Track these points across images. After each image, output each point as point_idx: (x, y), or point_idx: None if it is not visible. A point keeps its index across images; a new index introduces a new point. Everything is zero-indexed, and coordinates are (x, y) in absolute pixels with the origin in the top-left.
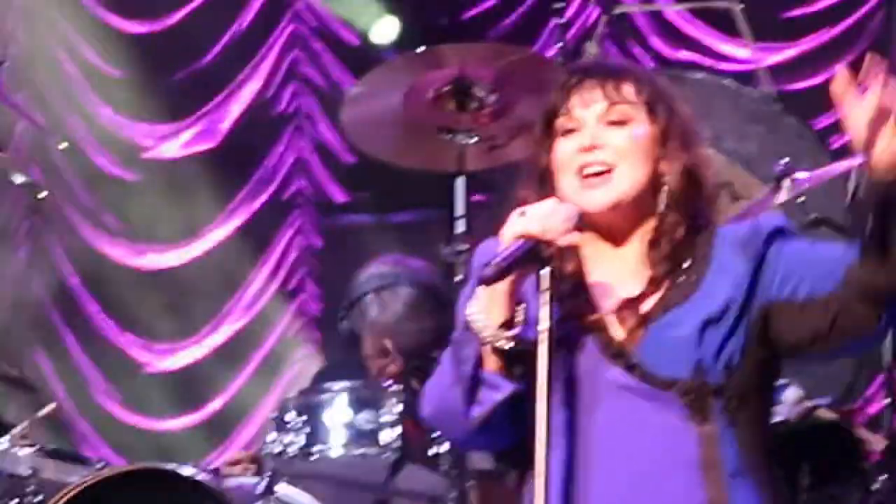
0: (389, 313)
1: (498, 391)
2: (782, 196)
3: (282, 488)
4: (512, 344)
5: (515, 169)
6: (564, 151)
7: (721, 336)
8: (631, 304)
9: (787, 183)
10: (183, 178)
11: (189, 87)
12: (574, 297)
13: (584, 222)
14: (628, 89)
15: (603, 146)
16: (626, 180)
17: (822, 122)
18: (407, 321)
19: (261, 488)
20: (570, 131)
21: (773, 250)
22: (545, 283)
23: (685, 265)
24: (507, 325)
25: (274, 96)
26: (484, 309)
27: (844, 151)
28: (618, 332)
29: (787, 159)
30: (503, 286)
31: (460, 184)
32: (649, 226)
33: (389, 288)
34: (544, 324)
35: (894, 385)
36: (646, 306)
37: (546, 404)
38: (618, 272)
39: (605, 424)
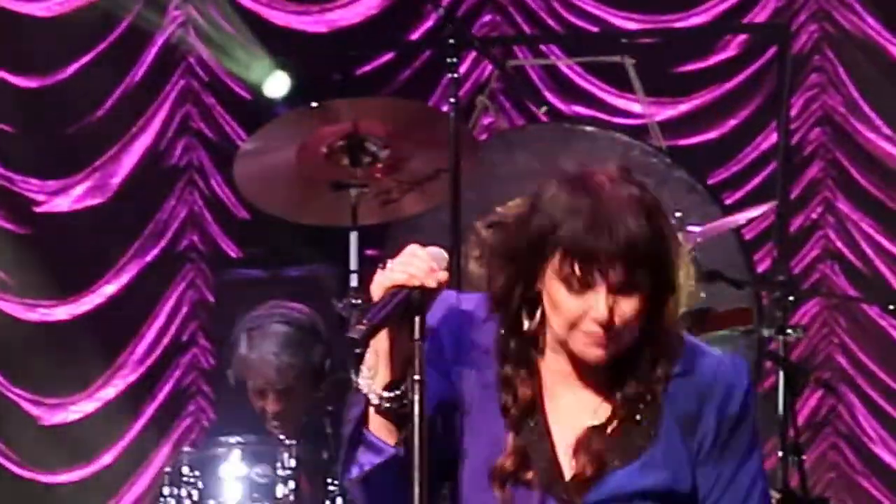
0: (258, 350)
1: (378, 454)
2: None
3: None
4: (394, 405)
5: (408, 222)
6: (572, 310)
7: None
8: (586, 438)
9: (679, 236)
10: (74, 233)
11: (81, 141)
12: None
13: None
14: (646, 259)
15: (617, 321)
16: (626, 344)
17: (716, 176)
18: (275, 357)
19: None
20: (578, 291)
21: (709, 471)
22: (418, 331)
23: (646, 401)
24: (392, 385)
25: (166, 150)
26: (370, 371)
27: (737, 206)
28: (569, 464)
29: (678, 213)
30: (384, 345)
31: (353, 238)
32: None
33: (260, 327)
34: (417, 374)
35: (785, 440)
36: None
37: (420, 457)
38: (570, 399)
39: None
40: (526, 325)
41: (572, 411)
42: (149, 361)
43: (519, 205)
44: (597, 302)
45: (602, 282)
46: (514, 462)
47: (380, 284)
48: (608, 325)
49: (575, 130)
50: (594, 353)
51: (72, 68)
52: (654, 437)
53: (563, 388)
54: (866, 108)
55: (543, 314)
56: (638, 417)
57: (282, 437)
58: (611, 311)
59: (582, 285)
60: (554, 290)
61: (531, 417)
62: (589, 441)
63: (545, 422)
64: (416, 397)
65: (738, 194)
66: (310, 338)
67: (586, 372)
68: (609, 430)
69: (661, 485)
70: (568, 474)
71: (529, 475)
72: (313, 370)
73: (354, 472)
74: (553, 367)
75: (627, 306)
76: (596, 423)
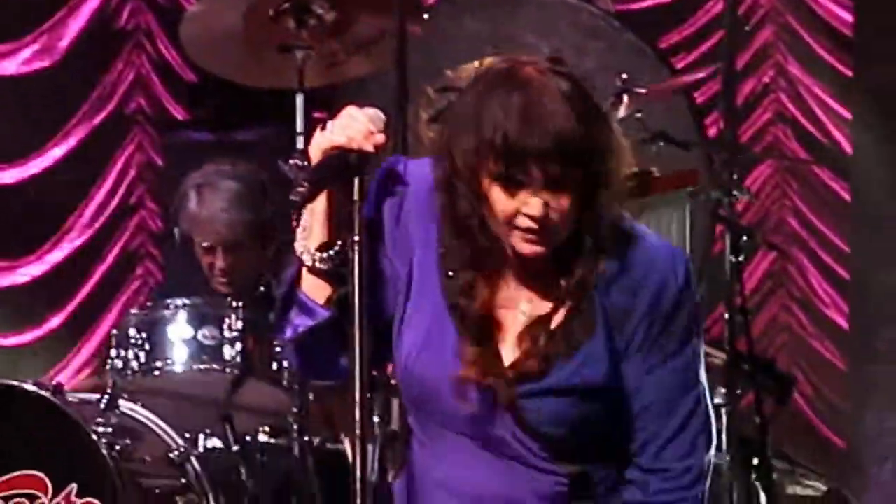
0: (208, 205)
1: (311, 316)
2: (622, 111)
3: (124, 404)
4: (327, 266)
5: (354, 85)
6: (506, 209)
7: (603, 402)
8: (528, 330)
9: (625, 98)
10: (21, 96)
11: (28, 4)
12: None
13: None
14: (577, 154)
15: (551, 215)
16: (562, 237)
17: (668, 40)
18: (225, 212)
19: (103, 404)
20: (512, 188)
21: (639, 361)
22: (357, 193)
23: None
24: (326, 246)
25: (113, 13)
26: (304, 230)
27: (688, 69)
28: (509, 352)
29: (625, 75)
30: (321, 206)
31: (300, 101)
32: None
33: (210, 184)
34: (358, 237)
35: (732, 302)
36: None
37: (360, 317)
38: (508, 292)
39: (467, 456)
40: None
41: (517, 301)
42: (97, 224)
43: (467, 74)
44: (530, 199)
45: (534, 179)
46: (466, 320)
47: (318, 146)
48: (542, 221)
49: None
50: (531, 248)
51: None
52: (590, 334)
53: (508, 278)
54: None
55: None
56: (580, 307)
57: (228, 295)
58: (545, 206)
59: (515, 183)
60: (488, 187)
61: (479, 299)
62: (533, 333)
63: (494, 303)
64: (356, 257)
65: (691, 58)
66: (259, 195)
67: (530, 262)
68: (553, 322)
69: (598, 380)
70: (509, 359)
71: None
72: (262, 228)
73: (288, 333)
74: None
75: (561, 201)
76: (541, 313)
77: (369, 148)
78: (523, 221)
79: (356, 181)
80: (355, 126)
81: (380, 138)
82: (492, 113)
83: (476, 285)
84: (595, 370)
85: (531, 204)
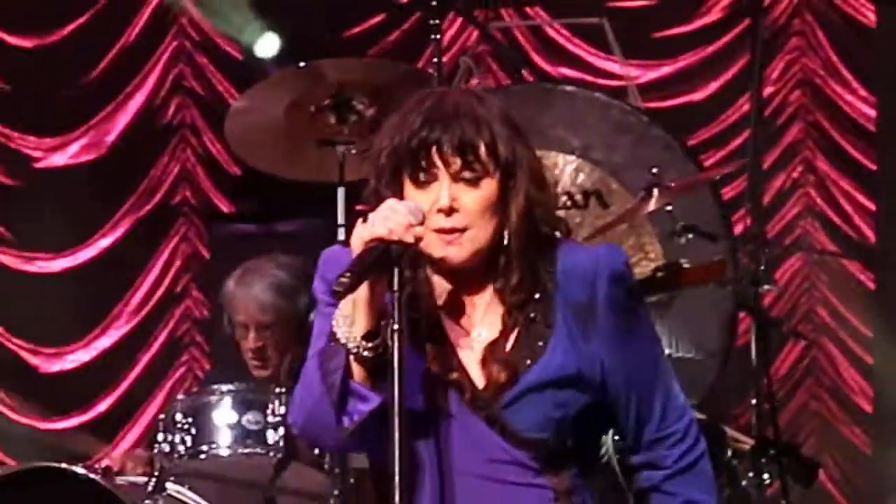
0: (247, 286)
1: (366, 403)
2: (652, 205)
3: (171, 486)
4: (375, 354)
5: None
6: (418, 204)
7: (576, 394)
8: (492, 345)
9: (656, 192)
10: (71, 188)
11: (77, 99)
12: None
13: (437, 267)
14: (482, 146)
15: (459, 209)
16: (479, 238)
17: (698, 137)
18: (262, 294)
19: (151, 486)
20: (423, 183)
21: (614, 354)
22: (396, 283)
23: (535, 300)
24: (371, 335)
25: (159, 108)
26: (346, 320)
27: (717, 165)
28: (479, 375)
29: (655, 169)
30: (363, 295)
31: (341, 193)
32: (497, 274)
33: (255, 269)
34: (398, 326)
35: (760, 390)
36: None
37: (399, 406)
38: (473, 318)
39: (456, 480)
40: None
41: (470, 327)
42: (143, 312)
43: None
44: (439, 191)
45: (443, 174)
46: (436, 365)
47: (360, 237)
48: (450, 212)
49: (556, 90)
50: (449, 251)
51: (67, 29)
52: (551, 329)
53: (456, 307)
54: (844, 72)
55: None
56: (532, 316)
57: (271, 381)
58: (454, 200)
59: (427, 176)
60: (408, 192)
61: (437, 340)
62: (493, 353)
63: (449, 341)
64: (396, 346)
65: (720, 154)
66: (298, 284)
67: (471, 289)
68: (508, 340)
69: (568, 371)
70: (481, 384)
71: (453, 376)
72: (297, 317)
73: (346, 422)
74: (440, 289)
75: (469, 196)
76: (492, 337)
77: (409, 239)
78: (436, 220)
79: (396, 272)
80: (395, 218)
81: (419, 230)
82: (408, 114)
83: (432, 320)
84: (564, 360)
85: (440, 195)
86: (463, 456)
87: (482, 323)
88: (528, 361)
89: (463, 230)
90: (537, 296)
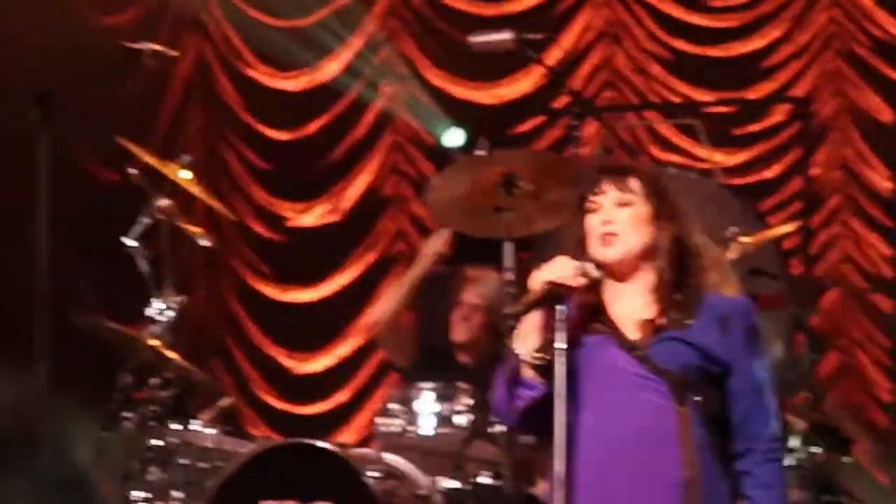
0: (486, 279)
1: (531, 390)
2: (731, 254)
3: (387, 456)
4: (541, 362)
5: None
6: (590, 224)
7: (698, 359)
8: (644, 322)
9: (734, 244)
10: (315, 241)
11: (320, 177)
12: (598, 316)
13: (604, 271)
14: (633, 182)
15: (613, 221)
16: (628, 243)
17: (768, 203)
18: (496, 286)
19: (374, 455)
20: (594, 211)
21: (746, 357)
22: (561, 315)
23: (678, 306)
24: (541, 349)
25: (381, 184)
26: (520, 336)
27: (778, 224)
28: (633, 335)
29: (734, 228)
30: (534, 320)
31: (508, 246)
32: (648, 274)
33: (487, 271)
34: (561, 346)
35: (811, 386)
36: (655, 321)
37: (562, 403)
38: (629, 304)
39: (612, 401)
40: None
41: (629, 312)
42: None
43: None
44: (601, 214)
45: (605, 192)
46: (600, 327)
47: (536, 279)
48: (606, 223)
49: (662, 171)
50: (604, 251)
51: (314, 125)
52: (689, 321)
53: (618, 300)
54: (870, 157)
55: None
56: (682, 310)
57: (466, 373)
58: (607, 217)
59: (595, 207)
60: (586, 222)
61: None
62: (645, 325)
63: (610, 319)
64: (559, 359)
65: (782, 216)
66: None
67: (629, 290)
68: (659, 319)
69: (698, 342)
70: (634, 336)
71: (613, 332)
72: (498, 324)
73: (518, 402)
74: (609, 288)
75: (622, 214)
76: (643, 314)
77: (573, 285)
78: (598, 227)
79: (559, 307)
80: (564, 270)
81: (581, 280)
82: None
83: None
84: (702, 337)
85: (601, 210)
86: (615, 382)
87: (636, 311)
88: (670, 326)
89: (614, 236)
90: (685, 309)
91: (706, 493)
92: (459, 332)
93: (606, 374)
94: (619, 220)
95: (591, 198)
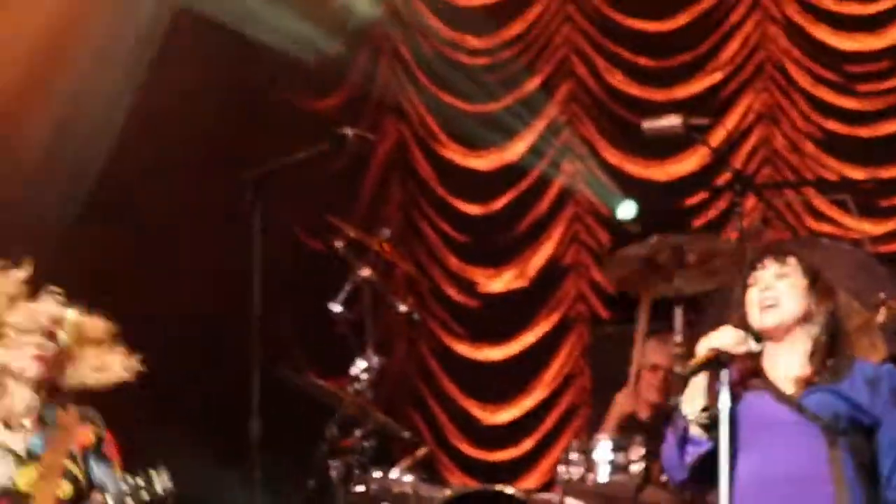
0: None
1: (699, 447)
2: (881, 317)
3: (569, 501)
4: (707, 421)
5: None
6: (751, 296)
7: (849, 409)
8: (798, 378)
9: (882, 309)
10: (506, 305)
11: (509, 246)
12: (757, 374)
13: (763, 336)
14: (790, 259)
15: (773, 290)
16: (786, 311)
17: None
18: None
19: (556, 500)
20: (755, 284)
21: (890, 420)
22: (725, 378)
23: (829, 368)
24: (706, 409)
25: (562, 253)
26: (688, 397)
27: None
28: (788, 390)
29: (883, 294)
30: (701, 383)
31: (679, 310)
32: (803, 339)
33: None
34: (725, 406)
35: None
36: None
37: (727, 453)
38: (785, 364)
39: (769, 447)
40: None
41: (785, 371)
42: (553, 384)
43: None
44: (762, 284)
45: (766, 266)
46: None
47: (705, 345)
48: (768, 292)
49: (817, 241)
50: (763, 317)
51: (502, 200)
52: (839, 380)
53: (775, 360)
54: None
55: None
56: (827, 376)
57: (642, 429)
58: (767, 287)
59: (756, 272)
60: (748, 294)
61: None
62: (799, 381)
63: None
64: (722, 417)
65: None
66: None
67: (785, 351)
68: (811, 378)
69: (850, 396)
70: (789, 391)
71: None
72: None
73: (686, 459)
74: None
75: (780, 285)
76: (798, 371)
77: (738, 352)
78: (758, 296)
79: (724, 371)
80: (729, 338)
81: (744, 349)
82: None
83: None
84: (852, 392)
85: (761, 281)
86: (772, 430)
87: (791, 370)
88: (823, 383)
89: (773, 305)
90: (831, 361)
91: None
92: (654, 392)
93: (764, 424)
94: (778, 289)
95: (753, 273)
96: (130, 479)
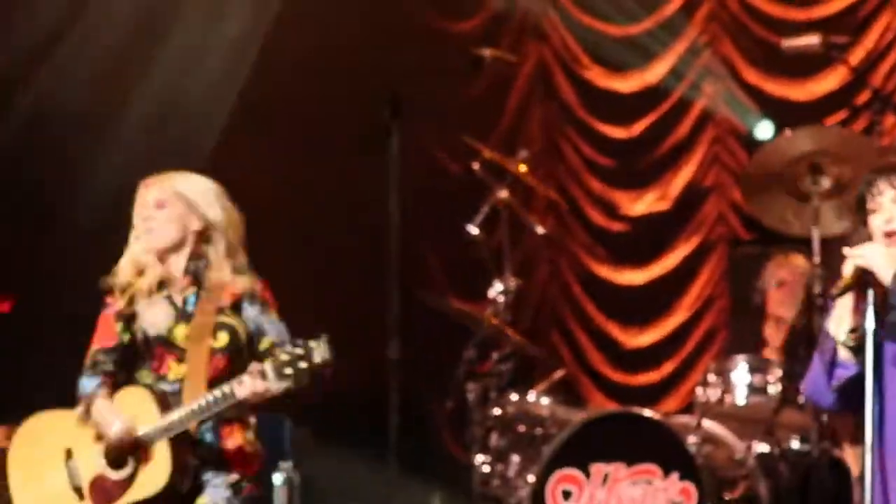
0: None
1: (847, 370)
2: None
3: (706, 423)
4: (854, 343)
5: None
6: (873, 225)
7: None
8: None
9: None
10: (648, 227)
11: (650, 168)
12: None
13: None
14: None
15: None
16: None
17: None
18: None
19: (693, 423)
20: (875, 211)
21: None
22: (870, 299)
23: None
24: (853, 330)
25: (703, 174)
26: (835, 319)
27: None
28: None
29: None
30: (848, 303)
31: (815, 231)
32: None
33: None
34: (870, 325)
35: None
36: None
37: (872, 376)
38: None
39: None
40: None
41: None
42: (694, 307)
43: None
44: (885, 214)
45: (883, 201)
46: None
47: (850, 264)
48: (890, 221)
49: None
50: (892, 248)
51: (643, 122)
52: None
53: None
54: None
55: None
56: None
57: (772, 358)
58: (892, 215)
59: (875, 206)
60: (870, 220)
61: None
62: None
63: None
64: (868, 339)
65: None
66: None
67: None
68: None
69: None
70: None
71: None
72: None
73: (833, 384)
74: None
75: None
76: None
77: (885, 273)
78: (881, 226)
79: (870, 291)
80: (880, 256)
81: (893, 270)
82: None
83: None
84: None
85: (882, 209)
86: None
87: None
88: None
89: None
90: None
91: None
92: (783, 308)
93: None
94: None
95: (869, 200)
96: (290, 348)
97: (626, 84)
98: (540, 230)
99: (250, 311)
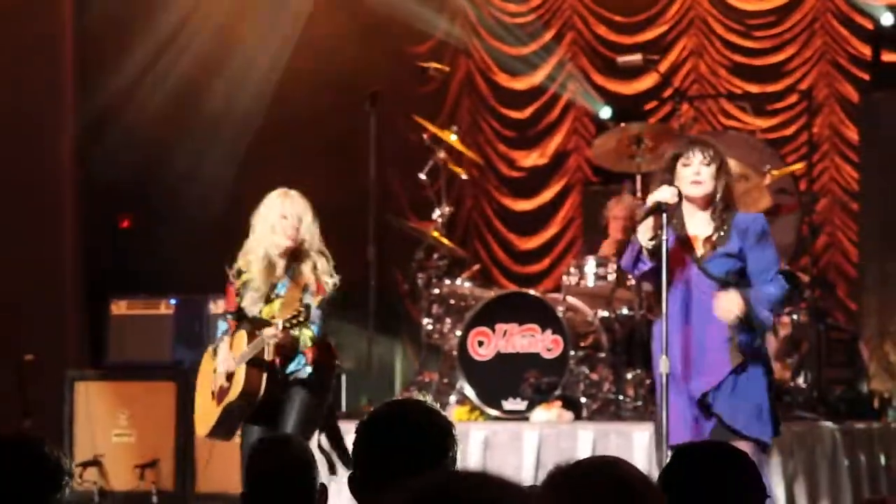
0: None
1: (645, 265)
2: (767, 180)
3: (569, 298)
4: (651, 247)
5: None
6: (683, 173)
7: (733, 264)
8: (706, 239)
9: (768, 175)
10: (532, 175)
11: (535, 139)
12: (680, 235)
13: (687, 201)
14: (710, 150)
15: (700, 174)
16: (708, 187)
17: (785, 150)
18: (631, 211)
19: (561, 298)
20: (686, 165)
21: (756, 249)
22: (662, 219)
23: (722, 226)
24: (652, 239)
25: (568, 141)
26: (641, 231)
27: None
28: (700, 251)
29: (768, 165)
30: (649, 222)
31: (638, 178)
32: (710, 207)
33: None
34: (662, 238)
35: None
36: (712, 239)
37: (665, 273)
38: (698, 224)
39: (691, 294)
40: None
41: (696, 228)
42: (562, 224)
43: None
44: (693, 168)
45: (695, 157)
46: (682, 244)
47: (651, 199)
48: (697, 176)
49: (726, 133)
50: (694, 190)
51: (529, 109)
52: (731, 237)
53: (691, 218)
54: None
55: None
56: (724, 228)
57: (610, 256)
58: (699, 169)
59: (687, 160)
60: (679, 170)
61: (684, 234)
62: (707, 240)
63: (688, 235)
64: (662, 245)
65: (795, 157)
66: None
67: (698, 212)
68: (713, 237)
69: (735, 251)
70: (700, 253)
71: (691, 248)
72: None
73: (637, 271)
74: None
75: (705, 171)
76: (706, 234)
77: (672, 202)
78: (690, 176)
79: (664, 216)
80: (667, 194)
81: (675, 199)
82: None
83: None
84: (734, 248)
85: (692, 165)
86: (691, 283)
87: (700, 228)
88: (720, 244)
89: (700, 182)
90: (725, 228)
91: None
92: (617, 233)
93: (684, 275)
94: (703, 172)
95: (684, 158)
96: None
97: (520, 84)
98: (465, 176)
99: (308, 299)
